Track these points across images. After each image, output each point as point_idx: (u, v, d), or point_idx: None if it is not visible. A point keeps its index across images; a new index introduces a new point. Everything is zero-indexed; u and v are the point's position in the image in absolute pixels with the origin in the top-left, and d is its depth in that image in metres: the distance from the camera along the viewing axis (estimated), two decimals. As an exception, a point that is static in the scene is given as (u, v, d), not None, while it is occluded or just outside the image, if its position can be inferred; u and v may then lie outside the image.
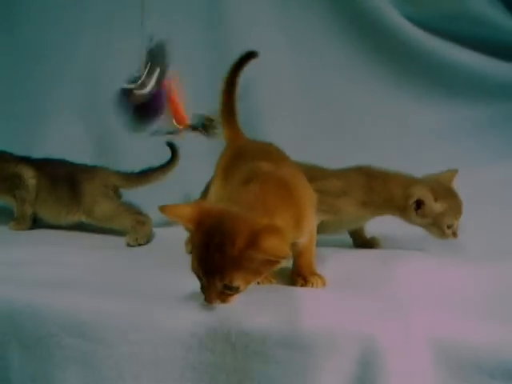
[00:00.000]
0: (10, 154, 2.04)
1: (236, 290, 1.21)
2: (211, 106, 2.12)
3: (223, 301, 1.22)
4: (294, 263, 1.44)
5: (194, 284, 1.37)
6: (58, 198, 1.94)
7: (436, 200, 1.65)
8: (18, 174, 1.98)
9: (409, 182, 1.68)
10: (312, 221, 1.42)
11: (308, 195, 1.42)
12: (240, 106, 2.05)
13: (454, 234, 1.68)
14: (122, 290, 1.38)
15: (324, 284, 1.42)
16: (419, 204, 1.65)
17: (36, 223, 2.02)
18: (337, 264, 1.60)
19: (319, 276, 1.43)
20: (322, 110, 2.18)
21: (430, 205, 1.65)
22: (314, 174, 1.71)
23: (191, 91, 2.16)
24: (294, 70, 2.21)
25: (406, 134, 2.03)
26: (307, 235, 1.39)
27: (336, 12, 2.18)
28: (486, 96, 2.12)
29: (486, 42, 2.10)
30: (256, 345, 1.20)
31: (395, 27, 2.12)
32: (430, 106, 2.14)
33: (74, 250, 1.71)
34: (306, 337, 1.18)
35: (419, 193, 1.64)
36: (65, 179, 1.93)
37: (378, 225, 1.85)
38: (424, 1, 2.12)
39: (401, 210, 1.68)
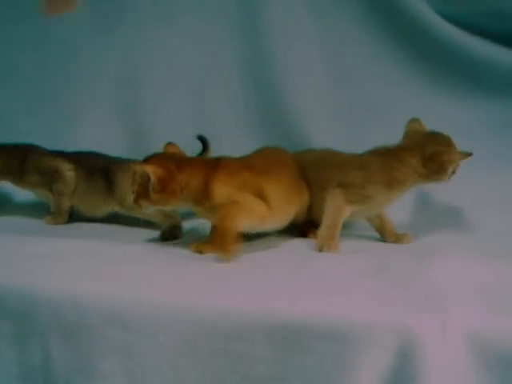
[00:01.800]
0: (46, 149, 2.07)
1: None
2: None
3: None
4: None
5: (233, 275, 1.43)
6: (94, 190, 1.96)
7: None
8: (55, 167, 2.01)
9: (419, 148, 1.73)
10: (223, 194, 1.57)
11: (230, 175, 1.60)
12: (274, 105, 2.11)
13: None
14: (160, 282, 1.40)
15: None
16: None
17: (70, 217, 2.04)
18: (370, 256, 1.62)
19: (217, 248, 1.55)
20: (355, 107, 2.19)
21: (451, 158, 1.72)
22: (336, 159, 1.81)
23: (222, 90, 2.22)
24: (327, 66, 2.21)
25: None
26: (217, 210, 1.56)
27: (369, 9, 2.18)
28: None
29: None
30: (295, 336, 1.21)
31: (428, 24, 2.12)
32: (464, 103, 2.13)
33: (111, 243, 1.73)
34: (345, 328, 1.19)
35: (456, 157, 1.72)
36: (100, 171, 1.95)
37: (407, 220, 1.87)
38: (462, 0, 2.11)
39: (433, 177, 1.73)
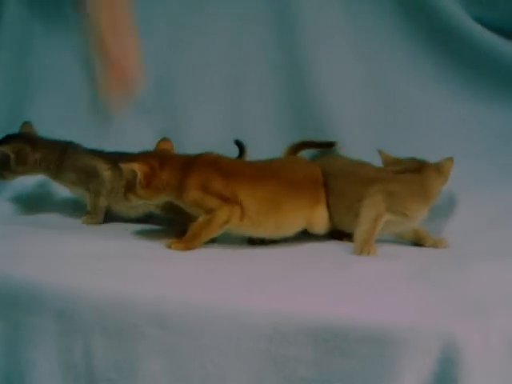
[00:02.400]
0: (85, 148, 2.08)
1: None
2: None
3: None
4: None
5: (275, 277, 1.45)
6: None
7: None
8: (92, 166, 2.02)
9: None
10: (210, 202, 1.68)
11: (204, 177, 1.69)
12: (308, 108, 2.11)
13: None
14: (204, 282, 1.41)
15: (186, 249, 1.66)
16: None
17: (105, 217, 2.06)
18: (408, 260, 1.63)
19: (184, 246, 1.67)
20: (390, 111, 2.17)
21: None
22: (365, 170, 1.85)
23: (259, 92, 2.23)
24: (362, 69, 2.20)
25: (475, 137, 2.02)
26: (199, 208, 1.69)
27: (405, 13, 2.16)
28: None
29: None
30: (337, 339, 1.21)
31: (464, 29, 2.10)
32: (501, 108, 2.12)
33: (150, 243, 1.75)
34: (388, 332, 1.19)
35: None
36: None
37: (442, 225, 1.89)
38: (493, 3, 2.09)
39: None
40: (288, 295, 1.33)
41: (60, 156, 2.05)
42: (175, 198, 1.73)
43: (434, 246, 1.81)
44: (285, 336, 1.24)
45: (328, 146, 2.08)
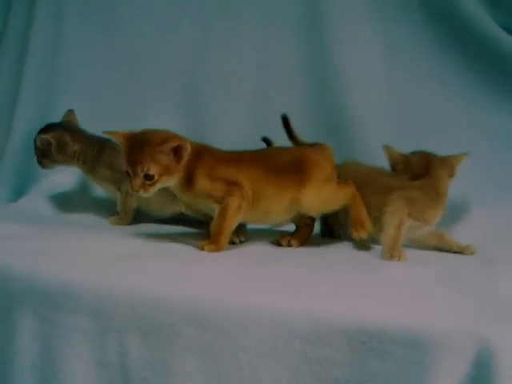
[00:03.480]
0: None
1: (152, 178, 1.64)
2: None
3: (145, 190, 1.66)
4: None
5: (310, 279, 1.47)
6: (163, 190, 1.99)
7: None
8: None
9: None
10: (219, 190, 1.71)
11: (211, 167, 1.72)
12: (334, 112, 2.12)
13: None
14: (240, 283, 1.43)
15: (218, 250, 1.69)
16: None
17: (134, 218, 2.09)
18: (437, 266, 1.65)
19: (215, 247, 1.69)
20: (415, 117, 2.19)
21: None
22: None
23: (287, 92, 2.25)
24: (389, 75, 2.23)
25: (500, 146, 2.03)
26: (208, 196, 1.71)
27: (432, 20, 2.19)
28: None
29: None
30: (373, 341, 1.23)
31: (491, 37, 2.12)
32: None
33: (182, 244, 1.76)
34: (423, 335, 1.20)
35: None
36: None
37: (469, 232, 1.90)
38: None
39: None
40: (322, 297, 1.35)
41: (98, 151, 2.07)
42: (184, 191, 1.73)
43: (461, 251, 1.83)
44: (320, 337, 1.25)
45: None
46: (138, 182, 1.65)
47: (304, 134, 2.04)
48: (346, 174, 1.91)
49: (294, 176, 1.78)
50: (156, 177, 1.65)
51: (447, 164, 1.87)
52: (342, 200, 1.82)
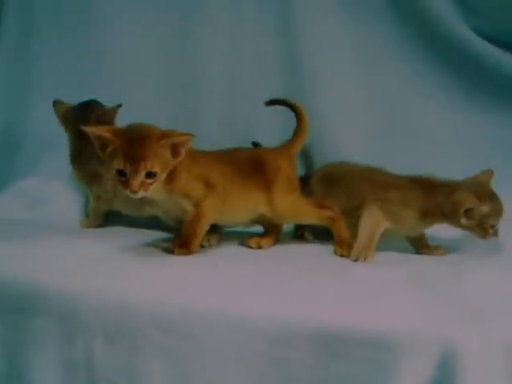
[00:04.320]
0: None
1: (155, 176, 1.54)
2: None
3: (145, 189, 1.54)
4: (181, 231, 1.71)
5: (275, 282, 1.47)
6: None
7: (481, 202, 1.71)
8: (97, 172, 2.01)
9: (453, 188, 1.74)
10: (196, 190, 1.68)
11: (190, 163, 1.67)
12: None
13: (495, 234, 1.74)
14: (205, 286, 1.43)
15: (190, 254, 1.67)
16: (467, 210, 1.71)
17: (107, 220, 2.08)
18: (406, 267, 1.65)
19: (187, 251, 1.67)
20: (389, 121, 2.20)
21: (477, 209, 1.71)
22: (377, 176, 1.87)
23: (259, 101, 2.25)
24: (362, 80, 2.24)
25: (474, 147, 2.05)
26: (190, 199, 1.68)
27: (405, 25, 2.20)
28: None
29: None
30: (337, 343, 1.23)
31: (464, 41, 2.13)
32: (501, 120, 2.16)
33: (152, 247, 1.77)
34: (387, 337, 1.21)
35: (467, 201, 1.70)
36: None
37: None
38: (495, 16, 2.12)
39: (449, 217, 1.75)
40: (288, 299, 1.35)
41: (82, 150, 2.02)
42: (161, 187, 1.63)
43: (430, 253, 1.84)
44: (285, 340, 1.26)
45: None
46: (137, 181, 1.53)
47: (275, 139, 2.04)
48: (341, 172, 1.95)
49: (256, 177, 1.78)
50: (158, 174, 1.56)
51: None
52: (314, 219, 1.86)
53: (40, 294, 1.40)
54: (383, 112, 2.19)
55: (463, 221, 1.72)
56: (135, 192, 1.53)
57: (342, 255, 1.78)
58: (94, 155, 1.96)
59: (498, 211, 1.73)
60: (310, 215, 1.86)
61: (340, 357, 1.23)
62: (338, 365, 1.24)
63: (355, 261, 1.71)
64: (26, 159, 2.32)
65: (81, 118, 1.99)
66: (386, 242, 1.83)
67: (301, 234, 2.00)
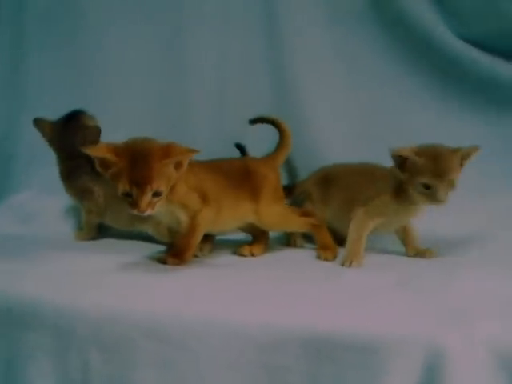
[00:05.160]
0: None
1: (161, 194, 1.56)
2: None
3: (152, 208, 1.56)
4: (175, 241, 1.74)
5: (265, 290, 1.49)
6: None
7: (417, 156, 1.71)
8: (88, 188, 2.04)
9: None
10: (193, 201, 1.69)
11: (194, 181, 1.70)
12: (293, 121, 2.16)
13: (434, 196, 1.71)
14: (196, 295, 1.45)
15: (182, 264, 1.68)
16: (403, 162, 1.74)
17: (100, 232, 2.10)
18: (395, 270, 1.68)
19: (179, 261, 1.68)
20: (373, 125, 2.23)
21: (411, 160, 1.72)
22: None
23: (241, 107, 2.28)
24: (346, 85, 2.27)
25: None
26: (187, 211, 1.69)
27: (388, 30, 2.23)
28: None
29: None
30: (327, 348, 1.25)
31: (447, 45, 2.16)
32: (476, 119, 2.19)
33: (143, 258, 1.79)
34: (375, 340, 1.24)
35: (404, 151, 1.72)
36: None
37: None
38: (474, 20, 2.15)
39: (405, 184, 1.75)
40: (279, 306, 1.38)
41: (76, 167, 2.05)
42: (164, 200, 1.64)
43: (419, 255, 1.87)
44: (276, 346, 1.28)
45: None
46: (144, 202, 1.55)
47: (261, 146, 2.07)
48: (335, 171, 2.01)
49: (244, 186, 1.81)
50: (164, 192, 1.59)
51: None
52: (298, 226, 1.92)
53: (33, 308, 1.41)
54: (368, 115, 2.22)
55: (403, 175, 1.74)
56: (143, 212, 1.56)
57: (326, 259, 1.82)
58: (83, 172, 2.02)
59: (434, 171, 1.70)
60: (295, 223, 1.91)
61: (330, 361, 1.25)
62: (329, 369, 1.26)
63: (343, 265, 1.74)
64: (19, 174, 2.36)
65: (66, 138, 2.03)
66: (379, 246, 1.90)
67: (293, 240, 2.02)
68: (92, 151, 1.58)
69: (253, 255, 1.85)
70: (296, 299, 1.42)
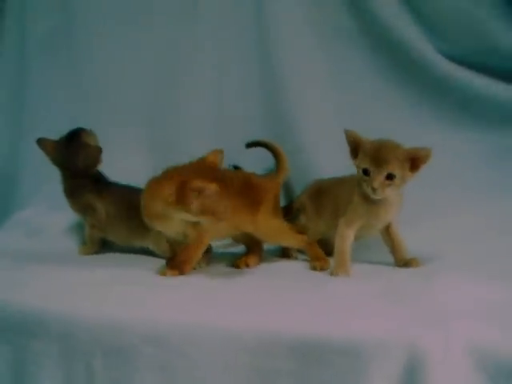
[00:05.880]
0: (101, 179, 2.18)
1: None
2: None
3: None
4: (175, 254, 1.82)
5: (256, 298, 1.59)
6: (132, 226, 2.09)
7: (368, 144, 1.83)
8: (92, 205, 2.12)
9: None
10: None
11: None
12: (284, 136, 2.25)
13: (371, 184, 1.78)
14: (193, 305, 1.54)
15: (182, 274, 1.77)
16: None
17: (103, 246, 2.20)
18: (379, 279, 1.77)
19: (178, 272, 1.77)
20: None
21: (363, 145, 1.83)
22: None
23: (241, 120, 2.37)
24: (333, 100, 2.36)
25: (438, 162, 2.15)
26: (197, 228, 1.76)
27: (375, 47, 2.32)
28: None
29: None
30: (315, 352, 1.34)
31: (430, 62, 2.25)
32: (464, 136, 2.28)
33: (144, 271, 1.87)
34: (359, 344, 1.32)
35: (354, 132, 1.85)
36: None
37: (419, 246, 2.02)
38: (457, 37, 2.24)
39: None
40: (270, 313, 1.46)
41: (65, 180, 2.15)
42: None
43: (406, 265, 1.94)
44: (267, 350, 1.37)
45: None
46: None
47: (257, 158, 2.17)
48: (326, 184, 2.10)
49: (244, 197, 1.88)
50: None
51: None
52: (293, 242, 2.02)
53: (41, 318, 1.50)
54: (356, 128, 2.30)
55: (354, 161, 1.84)
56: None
57: (322, 268, 1.91)
58: (87, 190, 2.11)
59: (374, 158, 1.78)
60: (290, 238, 2.01)
61: (317, 364, 1.34)
62: (316, 372, 1.34)
63: (332, 275, 1.83)
64: (24, 191, 2.45)
65: (69, 157, 2.10)
66: (367, 257, 1.99)
67: (288, 252, 2.12)
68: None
69: (248, 266, 1.94)
70: (287, 307, 1.51)
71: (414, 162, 1.80)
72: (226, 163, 2.18)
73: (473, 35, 2.22)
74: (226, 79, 2.40)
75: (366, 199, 1.85)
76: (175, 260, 1.81)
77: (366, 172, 1.80)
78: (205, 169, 1.81)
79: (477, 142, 2.27)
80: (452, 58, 2.25)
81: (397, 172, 1.78)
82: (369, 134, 2.15)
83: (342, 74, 2.35)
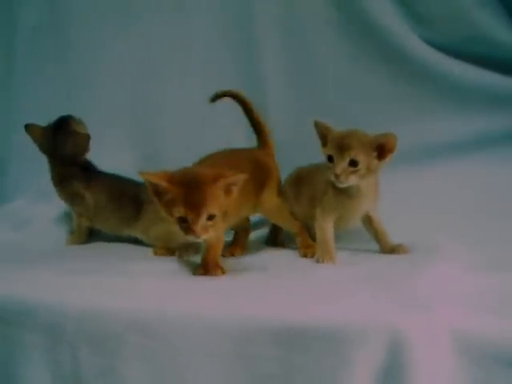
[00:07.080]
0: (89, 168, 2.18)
1: (213, 218, 1.59)
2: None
3: (206, 232, 1.59)
4: (202, 258, 1.75)
5: (241, 286, 1.60)
6: (120, 215, 2.11)
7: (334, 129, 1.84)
8: (80, 194, 2.14)
9: None
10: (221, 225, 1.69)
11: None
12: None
13: (334, 171, 1.77)
14: (177, 293, 1.55)
15: (224, 273, 1.72)
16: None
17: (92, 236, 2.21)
18: (365, 266, 1.79)
19: (221, 267, 1.73)
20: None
21: (330, 134, 1.83)
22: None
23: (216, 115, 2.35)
24: (314, 93, 2.38)
25: (424, 151, 2.17)
26: (214, 233, 1.65)
27: (355, 37, 2.34)
28: (501, 112, 2.27)
29: (502, 62, 2.25)
30: (297, 338, 1.35)
31: (414, 50, 2.27)
32: (448, 122, 2.29)
33: (130, 260, 1.88)
34: (342, 329, 1.32)
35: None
36: (128, 197, 2.09)
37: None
38: (441, 25, 2.26)
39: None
40: (253, 300, 1.48)
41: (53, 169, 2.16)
42: None
43: (393, 252, 1.95)
44: (250, 337, 1.37)
45: None
46: (200, 224, 1.59)
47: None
48: (305, 171, 2.08)
49: (255, 181, 1.85)
50: (217, 216, 1.62)
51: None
52: (289, 225, 2.02)
53: (25, 308, 1.50)
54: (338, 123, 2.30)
55: (323, 150, 1.83)
56: (199, 236, 1.60)
57: (312, 255, 1.91)
58: (75, 178, 2.11)
59: (337, 145, 1.78)
60: (289, 220, 2.01)
61: (300, 350, 1.35)
62: (299, 358, 1.35)
63: (317, 262, 1.84)
64: (11, 183, 2.47)
65: (57, 144, 2.10)
66: (354, 246, 2.00)
67: (273, 238, 2.13)
68: (146, 177, 1.62)
69: (233, 255, 1.95)
70: (270, 294, 1.52)
71: (381, 149, 1.78)
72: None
73: (457, 23, 2.24)
74: (212, 78, 2.42)
75: (340, 192, 1.84)
76: (206, 266, 1.74)
77: (330, 159, 1.79)
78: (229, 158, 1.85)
79: (462, 128, 2.28)
80: (435, 46, 2.27)
81: (360, 158, 1.76)
82: (353, 125, 2.16)
83: (320, 64, 2.38)
